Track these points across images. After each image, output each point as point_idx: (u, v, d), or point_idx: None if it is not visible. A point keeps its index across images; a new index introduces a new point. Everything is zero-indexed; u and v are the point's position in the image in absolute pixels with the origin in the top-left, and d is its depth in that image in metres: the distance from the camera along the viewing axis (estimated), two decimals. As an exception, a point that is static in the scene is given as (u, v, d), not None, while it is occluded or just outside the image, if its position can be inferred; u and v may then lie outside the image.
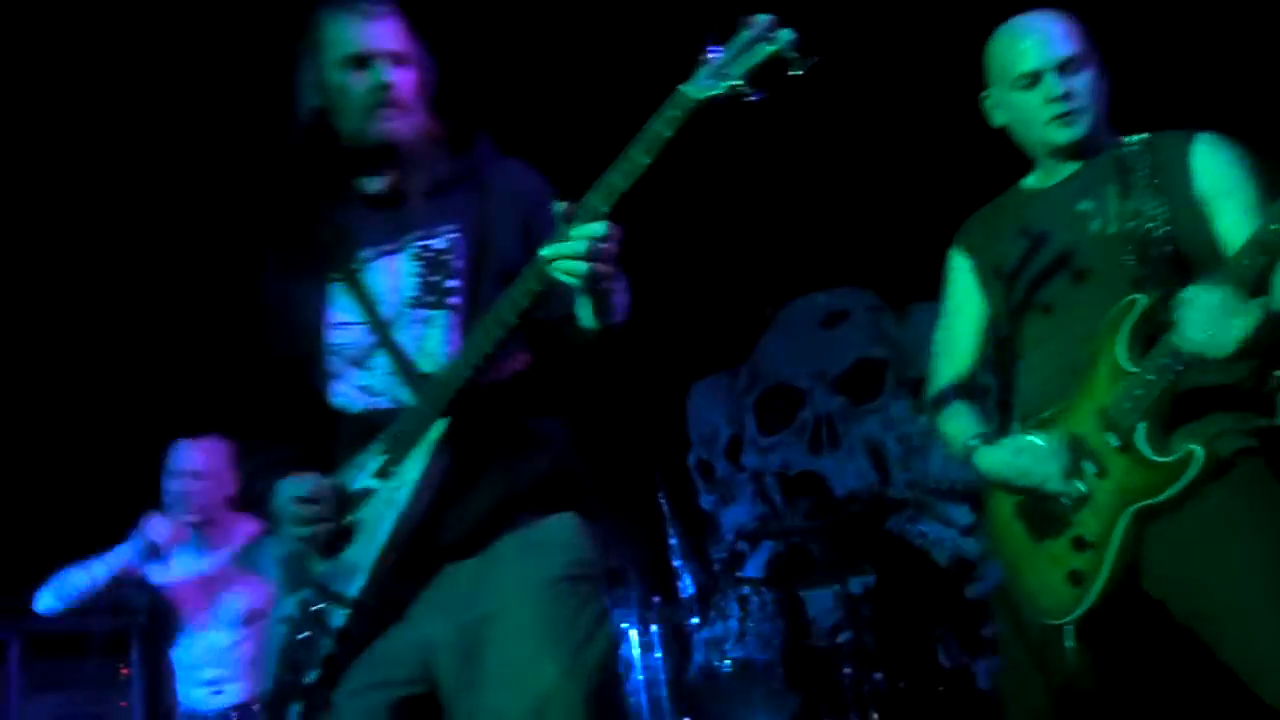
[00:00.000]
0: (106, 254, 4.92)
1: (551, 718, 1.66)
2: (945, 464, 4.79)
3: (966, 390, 2.16)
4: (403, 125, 1.84)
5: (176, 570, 3.45)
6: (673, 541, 4.62)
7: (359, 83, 1.83)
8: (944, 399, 2.17)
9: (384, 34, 1.84)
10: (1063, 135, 2.03)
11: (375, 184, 1.89)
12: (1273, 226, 1.73)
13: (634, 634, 4.10)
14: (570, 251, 1.57)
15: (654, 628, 4.13)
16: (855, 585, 4.02)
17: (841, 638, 3.99)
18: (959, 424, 2.10)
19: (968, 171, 2.29)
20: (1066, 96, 2.00)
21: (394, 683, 1.76)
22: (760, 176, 4.99)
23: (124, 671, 5.27)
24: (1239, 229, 1.86)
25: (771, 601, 4.15)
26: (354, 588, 1.73)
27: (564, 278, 1.58)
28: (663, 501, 4.71)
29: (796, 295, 5.56)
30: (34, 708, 4.96)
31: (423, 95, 1.88)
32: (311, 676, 1.74)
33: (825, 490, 5.07)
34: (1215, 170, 1.95)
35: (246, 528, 3.53)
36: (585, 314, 1.66)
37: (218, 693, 3.31)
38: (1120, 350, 1.88)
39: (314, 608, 1.75)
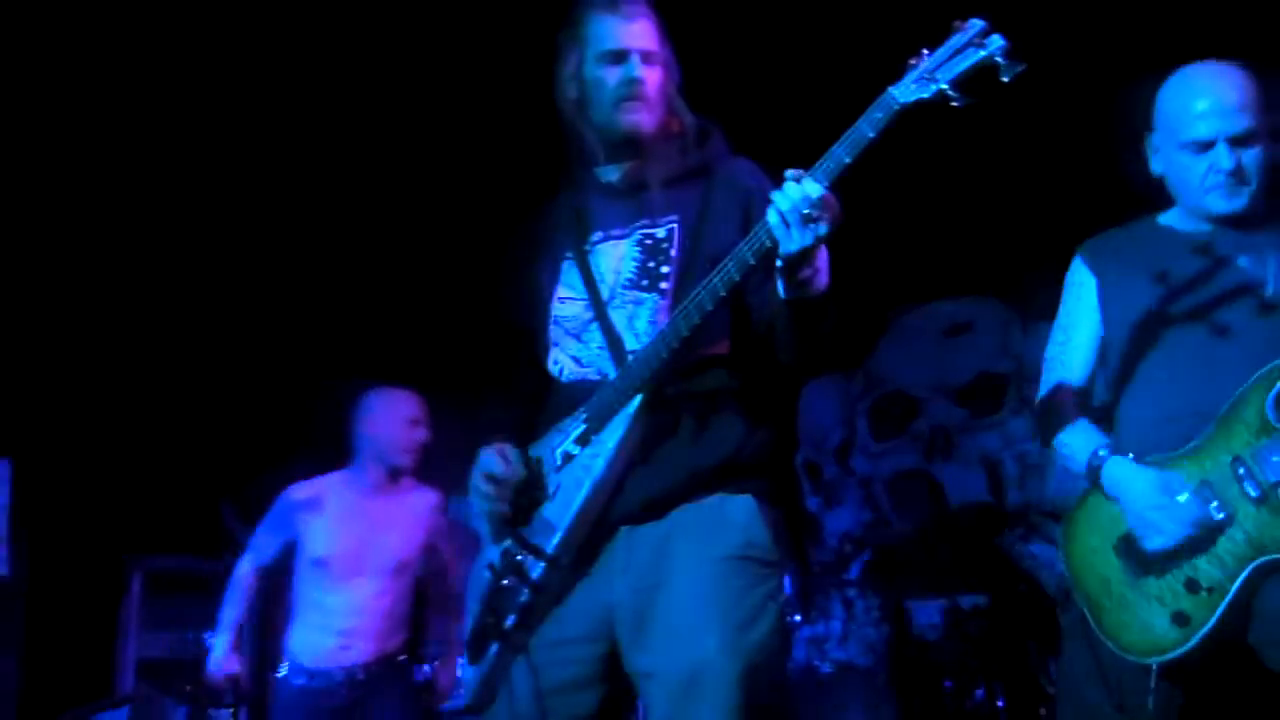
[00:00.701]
0: (350, 219, 5.14)
1: (706, 687, 1.75)
2: (1061, 486, 4.69)
3: (1084, 405, 2.14)
4: (647, 119, 1.99)
5: (339, 515, 3.49)
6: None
7: (612, 76, 1.99)
8: (1061, 411, 2.13)
9: (638, 33, 2.00)
10: (1222, 206, 2.02)
11: (614, 172, 2.05)
12: None
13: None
14: (782, 204, 1.65)
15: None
16: (964, 601, 3.97)
17: (945, 651, 3.95)
18: (1083, 435, 2.07)
19: (1108, 193, 2.26)
20: (1235, 173, 2.00)
21: (579, 639, 1.88)
22: (896, 176, 4.94)
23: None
24: None
25: (877, 607, 4.13)
26: (551, 544, 1.86)
27: (773, 218, 1.66)
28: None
29: (921, 301, 5.51)
30: (150, 639, 5.18)
31: (667, 93, 2.02)
32: (510, 621, 1.87)
33: (940, 499, 5.02)
34: None
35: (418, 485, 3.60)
36: (784, 285, 1.73)
37: (346, 647, 3.34)
38: (1273, 406, 1.88)
39: (516, 557, 1.88)
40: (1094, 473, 2.00)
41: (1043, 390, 2.19)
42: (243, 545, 5.69)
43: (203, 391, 5.53)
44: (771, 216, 1.67)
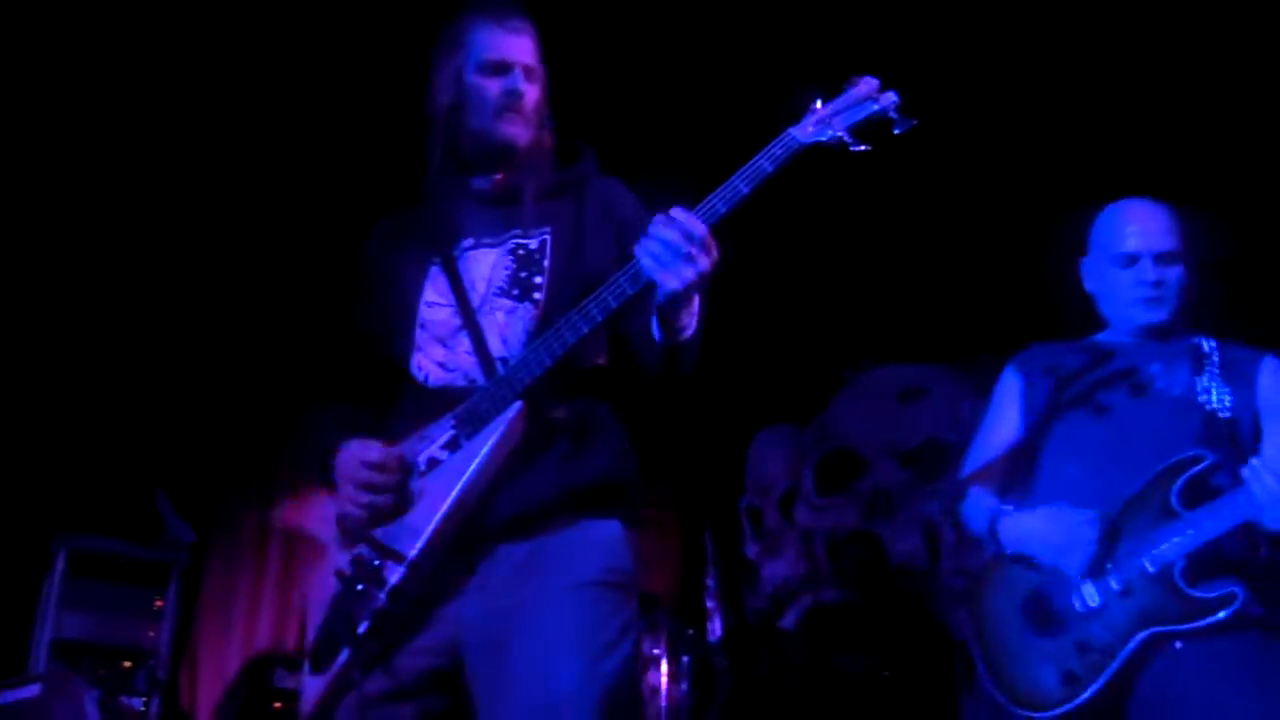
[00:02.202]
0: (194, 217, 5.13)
1: (563, 716, 1.72)
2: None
3: (995, 486, 2.32)
4: (524, 132, 2.01)
5: None
6: (710, 582, 4.64)
7: (493, 86, 2.00)
8: (966, 488, 2.34)
9: (522, 48, 2.03)
10: (1145, 316, 2.25)
11: (486, 181, 2.06)
12: None
13: (664, 663, 4.12)
14: (663, 237, 1.69)
15: (684, 659, 4.15)
16: (891, 659, 4.01)
17: (872, 708, 3.97)
18: (982, 502, 2.28)
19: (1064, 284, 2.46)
20: (1158, 284, 2.23)
21: (420, 650, 1.85)
22: (877, 246, 5.08)
23: (158, 604, 5.37)
24: None
25: (805, 659, 4.15)
26: (412, 549, 1.81)
27: (649, 262, 1.70)
28: (708, 542, 4.74)
29: (880, 363, 5.59)
30: (69, 620, 5.07)
31: (543, 109, 2.05)
32: (363, 627, 1.81)
33: (879, 559, 5.06)
34: (1275, 389, 2.18)
35: None
36: (659, 326, 1.78)
37: None
38: (1175, 494, 2.05)
39: (372, 563, 1.83)
40: (994, 533, 2.19)
41: (961, 474, 2.39)
42: (173, 535, 5.66)
43: (151, 381, 5.49)
44: (648, 254, 1.70)
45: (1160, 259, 2.24)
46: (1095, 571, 2.06)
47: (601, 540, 1.88)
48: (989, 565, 2.21)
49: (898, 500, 5.18)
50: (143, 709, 5.05)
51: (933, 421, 5.25)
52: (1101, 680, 1.99)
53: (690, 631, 4.29)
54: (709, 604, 4.60)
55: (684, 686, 4.05)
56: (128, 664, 5.03)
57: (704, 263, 1.69)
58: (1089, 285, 2.37)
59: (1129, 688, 2.00)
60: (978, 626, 2.18)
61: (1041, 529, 2.11)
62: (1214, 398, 2.15)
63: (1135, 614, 2.00)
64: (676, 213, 1.71)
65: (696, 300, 1.77)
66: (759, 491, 5.64)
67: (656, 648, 4.11)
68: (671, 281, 1.69)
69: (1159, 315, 2.24)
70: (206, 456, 5.96)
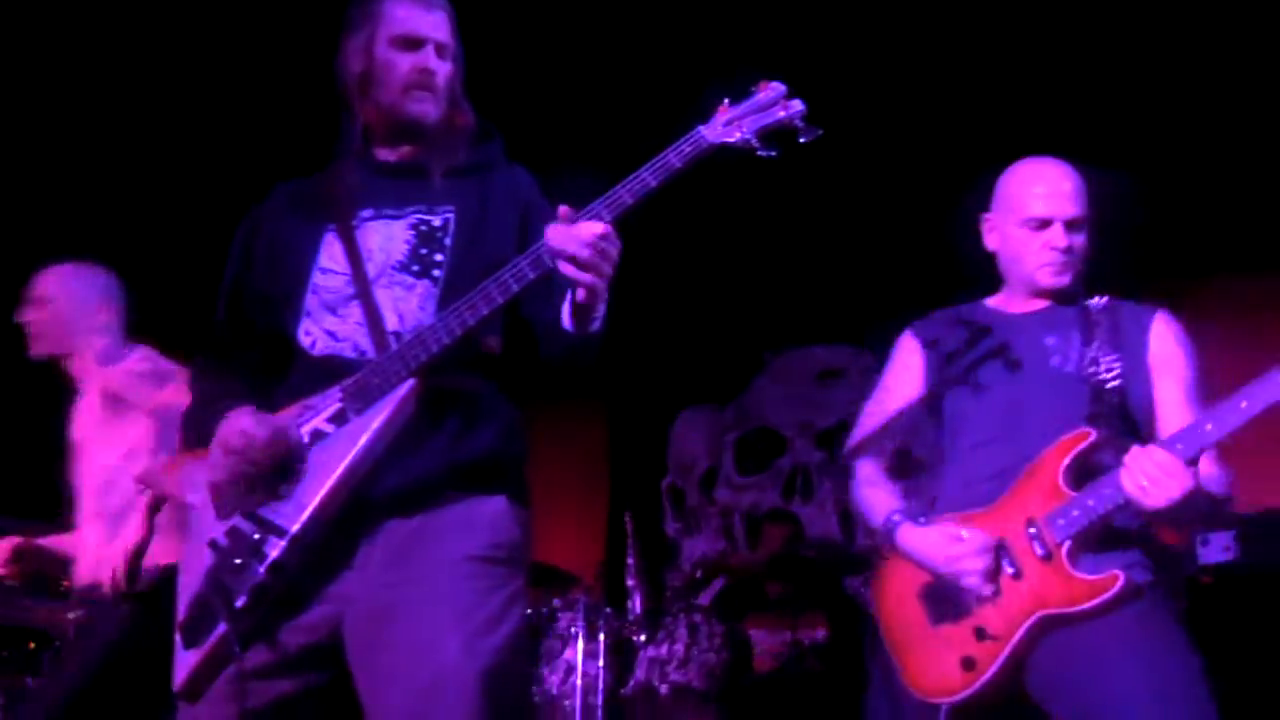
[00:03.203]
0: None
1: (448, 690, 1.72)
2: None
3: (884, 457, 2.36)
4: (432, 109, 1.99)
5: None
6: (629, 560, 4.65)
7: (405, 61, 1.97)
8: (861, 457, 2.36)
9: (436, 24, 2.00)
10: (1051, 281, 2.24)
11: (393, 154, 2.04)
12: (1209, 427, 1.94)
13: (580, 641, 4.13)
14: (573, 238, 1.70)
15: (600, 636, 4.16)
16: (805, 635, 4.06)
17: (783, 683, 4.02)
18: (879, 496, 2.28)
19: (973, 256, 2.46)
20: (1067, 251, 2.21)
21: (299, 626, 1.82)
22: (791, 230, 5.13)
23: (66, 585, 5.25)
24: (1174, 404, 2.14)
25: (720, 634, 4.19)
26: (294, 523, 1.78)
27: (561, 262, 1.72)
28: (628, 520, 4.76)
29: (798, 345, 5.64)
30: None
31: (455, 87, 2.03)
32: (241, 601, 1.77)
33: (796, 534, 5.13)
34: (1166, 348, 2.19)
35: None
36: (568, 315, 1.80)
37: None
38: (1063, 473, 2.06)
39: (251, 536, 1.80)
40: (888, 536, 2.19)
41: (852, 440, 2.39)
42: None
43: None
44: (564, 258, 1.71)
45: (1071, 225, 2.21)
46: (988, 580, 2.07)
47: (486, 516, 1.87)
48: (886, 554, 2.21)
49: (815, 480, 5.25)
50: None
51: (850, 402, 5.32)
52: (998, 665, 2.01)
53: (608, 609, 4.30)
54: (629, 582, 4.61)
55: (600, 663, 4.07)
56: (31, 645, 4.92)
57: (607, 255, 1.71)
58: (991, 243, 2.33)
59: (1025, 669, 2.02)
60: (884, 614, 2.18)
61: (935, 551, 2.09)
62: (1102, 367, 2.15)
63: (1027, 597, 2.01)
64: (571, 212, 1.72)
65: (605, 292, 1.78)
66: (680, 471, 5.67)
67: (575, 625, 4.12)
68: (584, 280, 1.71)
69: (1063, 280, 2.22)
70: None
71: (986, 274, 2.39)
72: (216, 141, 4.89)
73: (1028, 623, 2.01)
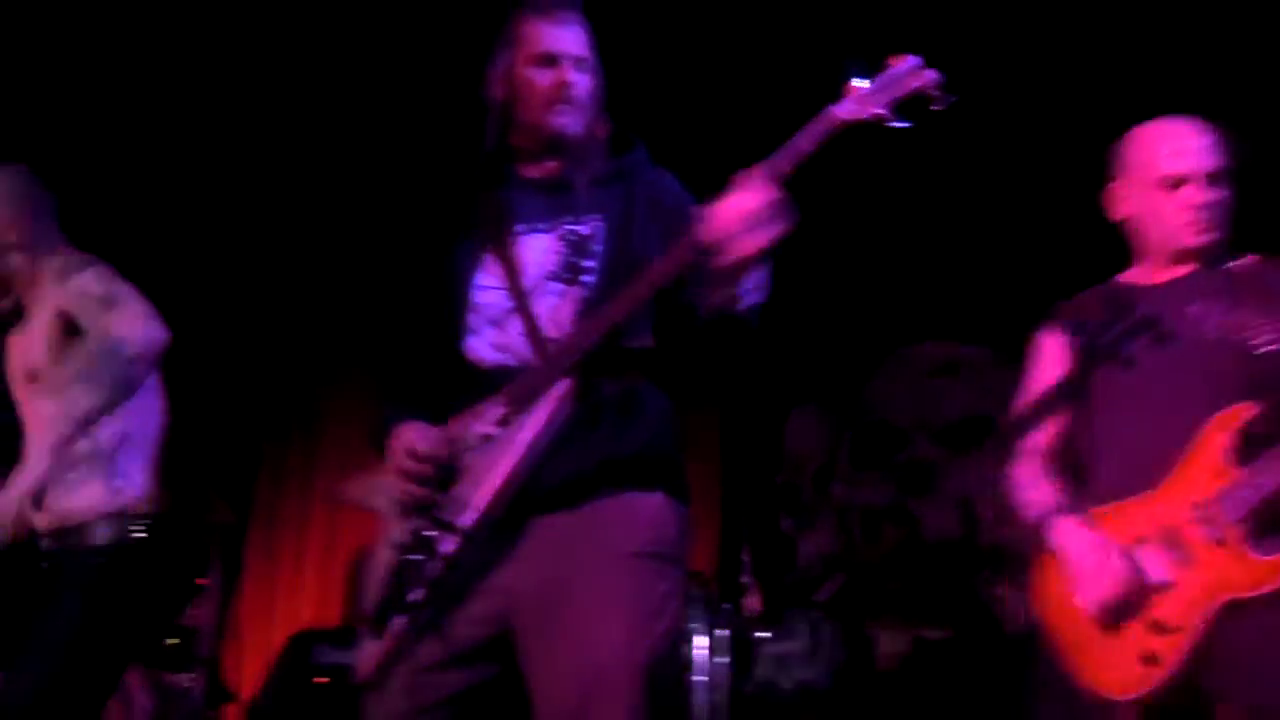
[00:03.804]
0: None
1: (609, 684, 1.79)
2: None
3: (1040, 449, 2.25)
4: (573, 122, 2.08)
5: None
6: (745, 558, 4.66)
7: (543, 78, 2.07)
8: (1016, 451, 2.28)
9: (571, 39, 2.10)
10: (1193, 239, 2.12)
11: (539, 170, 2.14)
12: None
13: (700, 637, 4.14)
14: (719, 208, 1.74)
15: (721, 633, 4.17)
16: (927, 633, 4.01)
17: (905, 681, 3.98)
18: (1034, 490, 2.21)
19: (1101, 250, 2.38)
20: (1207, 207, 2.10)
21: (470, 619, 1.93)
22: (908, 223, 5.08)
23: (201, 582, 5.46)
24: None
25: (841, 632, 4.17)
26: (466, 520, 1.89)
27: (711, 225, 1.74)
28: (741, 517, 4.76)
29: (916, 340, 5.57)
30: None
31: (594, 99, 2.11)
32: (416, 594, 1.90)
33: (915, 533, 5.07)
34: None
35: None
36: (716, 292, 1.83)
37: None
38: (1227, 451, 1.97)
39: (427, 534, 1.91)
40: (1043, 532, 2.12)
41: (1009, 433, 2.33)
42: (215, 516, 5.71)
43: (188, 367, 5.54)
44: (709, 223, 1.74)
45: (1211, 178, 2.10)
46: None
47: (645, 512, 1.95)
48: (1043, 551, 2.15)
49: (934, 476, 5.17)
50: (188, 685, 5.14)
51: (970, 397, 5.24)
52: (1181, 657, 1.94)
53: (727, 606, 4.31)
54: (744, 579, 4.62)
55: (722, 660, 4.08)
56: (173, 641, 5.12)
57: (773, 230, 1.73)
58: (1123, 211, 2.21)
59: (1208, 657, 1.95)
60: (1048, 612, 2.13)
61: (1082, 555, 2.04)
62: (1255, 333, 2.04)
63: (1204, 585, 1.94)
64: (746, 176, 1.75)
65: (760, 271, 1.82)
66: (794, 467, 5.65)
67: (694, 622, 4.14)
68: (733, 250, 1.73)
69: (1207, 239, 2.11)
70: (245, 440, 6.05)
71: (1115, 262, 2.33)
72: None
73: (1207, 611, 1.93)
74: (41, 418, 2.63)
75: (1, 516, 2.53)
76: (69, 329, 2.64)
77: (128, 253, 5.30)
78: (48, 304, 2.68)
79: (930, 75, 1.76)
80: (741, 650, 4.26)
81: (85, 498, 2.62)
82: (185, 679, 5.16)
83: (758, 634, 4.24)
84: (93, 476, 2.63)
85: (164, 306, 5.54)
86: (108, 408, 2.55)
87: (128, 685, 4.71)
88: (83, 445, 2.59)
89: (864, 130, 1.77)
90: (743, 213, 1.72)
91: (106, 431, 2.63)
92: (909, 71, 1.77)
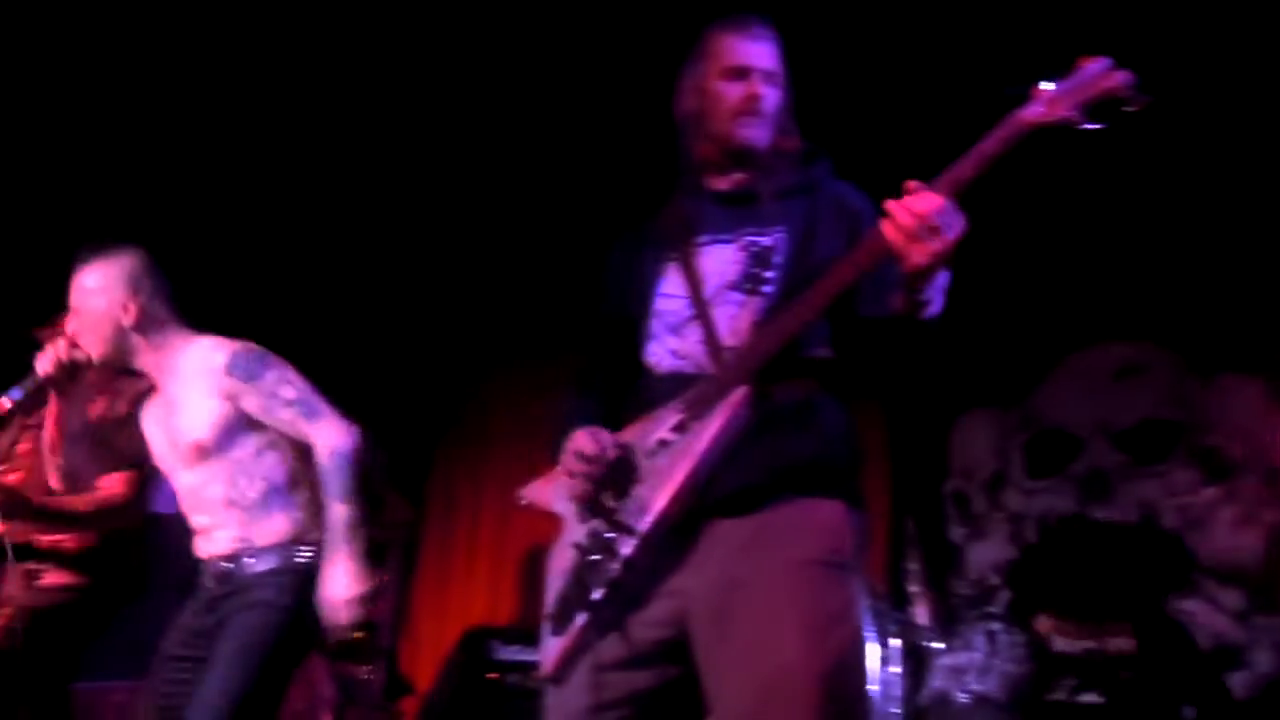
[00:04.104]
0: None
1: (786, 691, 1.78)
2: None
3: None
4: (761, 134, 2.10)
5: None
6: (912, 566, 4.58)
7: (733, 91, 2.09)
8: None
9: (762, 53, 2.12)
10: None
11: (724, 182, 2.17)
12: None
13: (872, 647, 4.10)
14: (903, 209, 1.73)
15: (894, 643, 4.12)
16: (1112, 646, 3.88)
17: (1086, 695, 3.86)
18: None
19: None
20: None
21: (649, 622, 1.95)
22: (1081, 221, 4.91)
23: (380, 577, 5.66)
24: None
25: (1020, 644, 4.06)
26: (643, 523, 1.92)
27: (891, 228, 1.74)
28: (909, 525, 4.68)
29: (1086, 343, 5.38)
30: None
31: (782, 112, 2.13)
32: (598, 593, 1.95)
33: (1095, 543, 4.90)
34: None
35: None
36: (897, 297, 1.82)
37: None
38: None
39: (605, 535, 1.96)
40: None
41: None
42: (393, 513, 5.92)
43: (363, 365, 5.75)
44: (889, 228, 1.73)
45: None
46: None
47: (822, 520, 1.94)
48: None
49: (1114, 484, 4.99)
50: (368, 676, 5.35)
51: (1151, 401, 5.03)
52: None
53: (900, 615, 4.25)
54: (912, 588, 4.55)
55: (894, 670, 4.03)
56: (356, 635, 5.33)
57: (947, 234, 1.72)
58: None
59: None
60: None
61: None
62: None
63: None
64: (911, 186, 1.75)
65: (942, 275, 1.80)
66: (964, 474, 5.53)
67: (866, 630, 4.10)
68: (912, 256, 1.73)
69: None
70: (422, 441, 6.25)
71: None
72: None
73: None
74: (211, 488, 2.83)
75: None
76: (243, 419, 2.80)
77: (303, 260, 5.61)
78: (196, 386, 2.84)
79: (1122, 76, 1.73)
80: (915, 661, 4.20)
81: (270, 531, 2.81)
82: (364, 671, 5.37)
83: (932, 644, 4.16)
84: (269, 511, 2.82)
85: (338, 307, 5.83)
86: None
87: (313, 676, 4.92)
88: (258, 485, 2.81)
89: (1052, 133, 1.74)
90: (918, 221, 1.71)
91: (278, 469, 2.83)
92: (1100, 73, 1.73)
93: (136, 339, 2.88)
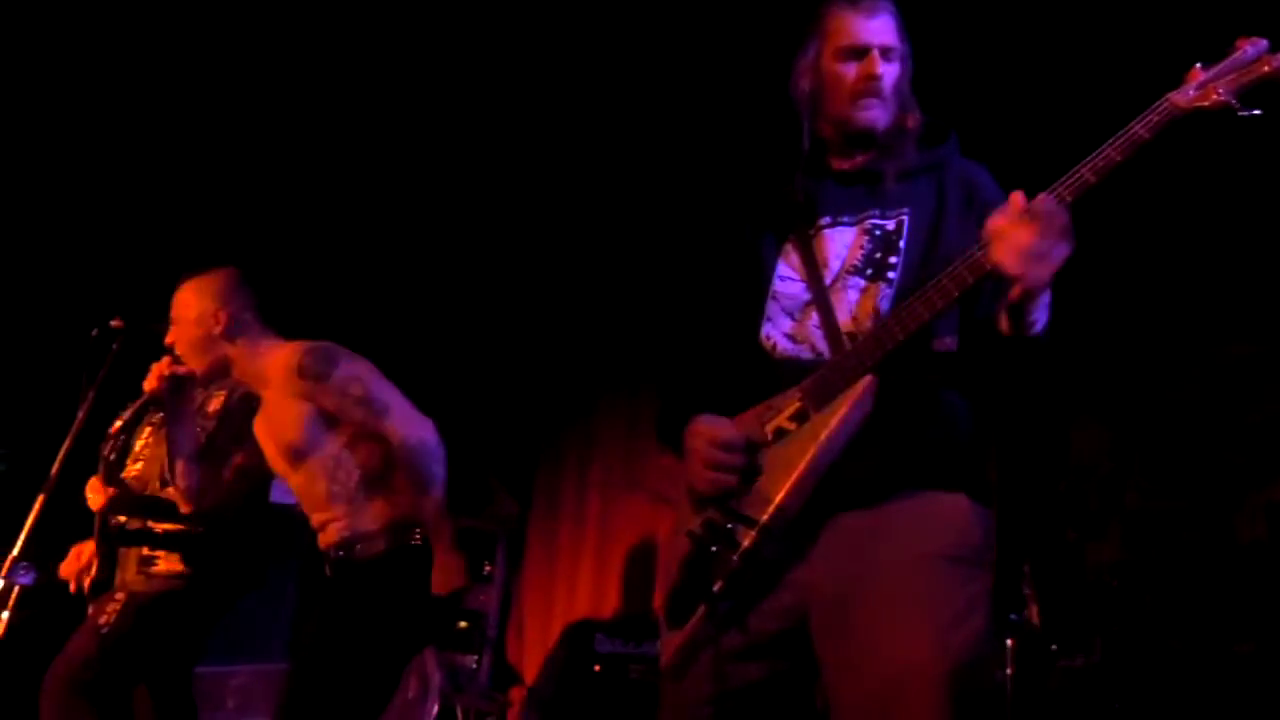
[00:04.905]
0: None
1: (913, 686, 1.74)
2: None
3: None
4: (881, 115, 2.05)
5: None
6: (1025, 568, 4.47)
7: (851, 71, 2.03)
8: None
9: (880, 30, 2.04)
10: None
11: (846, 163, 2.10)
12: None
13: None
14: (1007, 227, 1.67)
15: (1007, 644, 4.02)
16: (1239, 648, 3.74)
17: (1212, 698, 3.73)
18: None
19: None
20: None
21: (768, 613, 1.93)
22: (1205, 219, 4.76)
23: (487, 569, 5.76)
24: None
25: (1140, 646, 3.95)
26: (763, 515, 1.87)
27: (999, 253, 1.68)
28: (1024, 526, 4.57)
29: (1207, 341, 5.20)
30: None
31: (902, 89, 2.06)
32: (718, 587, 1.89)
33: (1219, 543, 4.74)
34: None
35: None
36: (1005, 314, 1.77)
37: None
38: None
39: (724, 526, 1.91)
40: None
41: None
42: (500, 506, 6.02)
43: (475, 365, 5.82)
44: (1004, 247, 1.67)
45: None
46: None
47: (948, 513, 1.89)
48: None
49: (1239, 483, 4.82)
50: (475, 665, 5.44)
51: (1273, 401, 4.85)
52: None
53: (1013, 616, 4.16)
54: (1025, 590, 4.44)
55: (1009, 671, 3.94)
56: (463, 624, 5.43)
57: (1062, 252, 1.67)
58: None
59: None
60: None
61: None
62: None
63: None
64: (1037, 203, 1.67)
65: (1047, 293, 1.75)
66: (1080, 475, 5.39)
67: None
68: (1017, 269, 1.67)
69: None
70: (530, 438, 6.33)
71: None
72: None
73: None
74: (316, 485, 2.97)
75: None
76: (326, 416, 2.94)
77: (407, 263, 5.72)
78: (282, 390, 2.99)
79: None
80: (1029, 662, 4.10)
81: (373, 517, 2.93)
82: (473, 660, 5.46)
83: (1050, 646, 4.07)
84: (370, 498, 2.94)
85: (441, 305, 5.92)
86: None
87: (425, 663, 5.01)
88: (355, 475, 2.93)
89: (1206, 119, 1.67)
90: (1027, 245, 1.64)
91: (373, 458, 2.96)
92: (1259, 56, 1.66)
93: (227, 347, 3.13)
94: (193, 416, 3.31)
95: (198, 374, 3.22)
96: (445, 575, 2.77)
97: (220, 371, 3.21)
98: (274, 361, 3.05)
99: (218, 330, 3.14)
